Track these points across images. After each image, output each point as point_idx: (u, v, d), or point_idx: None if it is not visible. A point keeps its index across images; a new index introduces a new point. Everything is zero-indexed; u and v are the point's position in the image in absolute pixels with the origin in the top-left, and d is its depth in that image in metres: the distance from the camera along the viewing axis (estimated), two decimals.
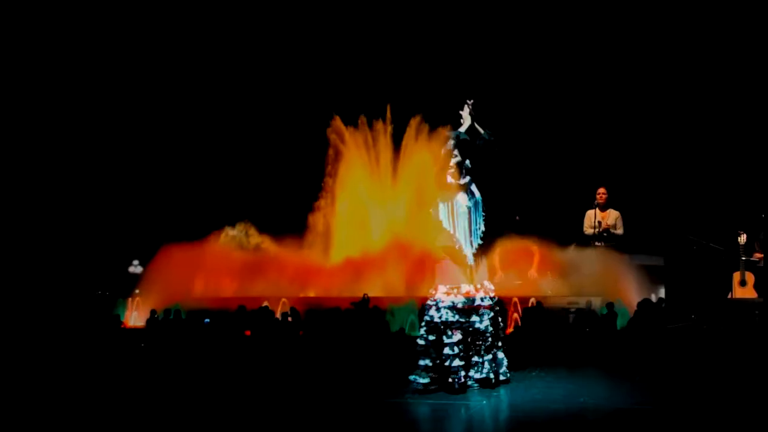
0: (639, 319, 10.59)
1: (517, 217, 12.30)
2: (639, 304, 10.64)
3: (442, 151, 7.88)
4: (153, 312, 12.15)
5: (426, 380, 7.50)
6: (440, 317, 7.61)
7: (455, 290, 7.70)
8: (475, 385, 7.56)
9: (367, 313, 11.54)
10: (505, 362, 7.95)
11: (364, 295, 12.17)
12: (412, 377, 7.57)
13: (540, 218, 13.64)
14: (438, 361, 7.50)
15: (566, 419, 6.34)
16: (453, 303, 7.64)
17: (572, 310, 11.00)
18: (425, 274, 13.20)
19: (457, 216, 7.75)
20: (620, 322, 10.98)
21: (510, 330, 12.16)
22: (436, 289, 7.78)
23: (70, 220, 17.12)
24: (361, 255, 15.29)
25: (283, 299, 13.30)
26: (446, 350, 7.49)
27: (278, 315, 12.11)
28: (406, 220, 16.25)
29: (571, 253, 12.85)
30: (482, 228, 7.94)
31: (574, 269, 12.49)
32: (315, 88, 17.86)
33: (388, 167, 17.29)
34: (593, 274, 12.00)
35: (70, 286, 14.63)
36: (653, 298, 12.11)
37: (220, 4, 18.44)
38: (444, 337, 7.53)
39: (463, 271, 7.81)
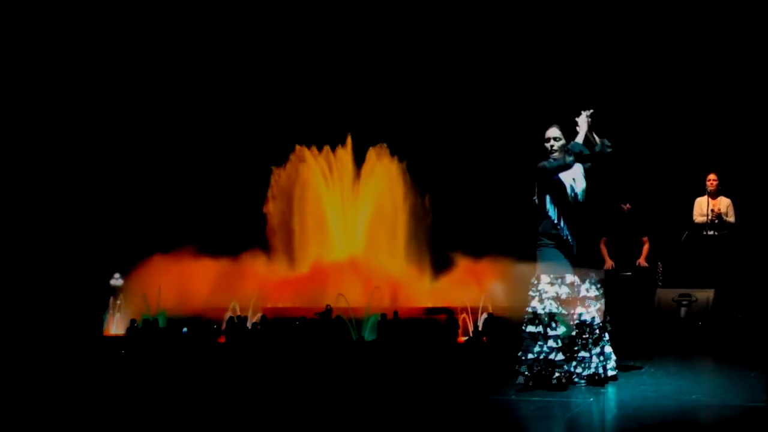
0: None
1: (627, 205, 11.97)
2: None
3: (546, 135, 7.61)
4: (132, 321, 12.85)
5: (528, 375, 7.33)
6: (543, 308, 7.37)
7: (559, 280, 7.44)
8: (582, 381, 7.36)
9: (330, 323, 12.32)
10: (613, 357, 7.72)
11: (327, 306, 12.86)
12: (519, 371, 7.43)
13: (649, 207, 13.29)
14: (542, 356, 7.31)
15: (677, 417, 6.12)
16: (557, 294, 7.39)
17: (684, 302, 10.69)
18: (383, 288, 14.45)
19: (562, 203, 7.52)
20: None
21: (463, 339, 12.36)
22: (538, 279, 7.51)
23: (52, 234, 17.71)
24: (325, 269, 16.13)
25: (253, 300, 14.25)
26: (550, 343, 7.27)
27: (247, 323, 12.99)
28: (365, 238, 17.73)
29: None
30: (588, 216, 7.68)
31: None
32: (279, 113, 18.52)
33: (348, 189, 18.10)
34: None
35: (54, 295, 15.17)
36: None
37: (177, 29, 18.69)
38: (548, 330, 7.32)
39: (567, 261, 7.53)
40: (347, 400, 7.31)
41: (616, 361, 7.74)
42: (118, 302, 14.92)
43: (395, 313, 12.56)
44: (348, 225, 18.55)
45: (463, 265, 15.84)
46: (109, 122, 18.63)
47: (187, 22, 18.73)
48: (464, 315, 13.19)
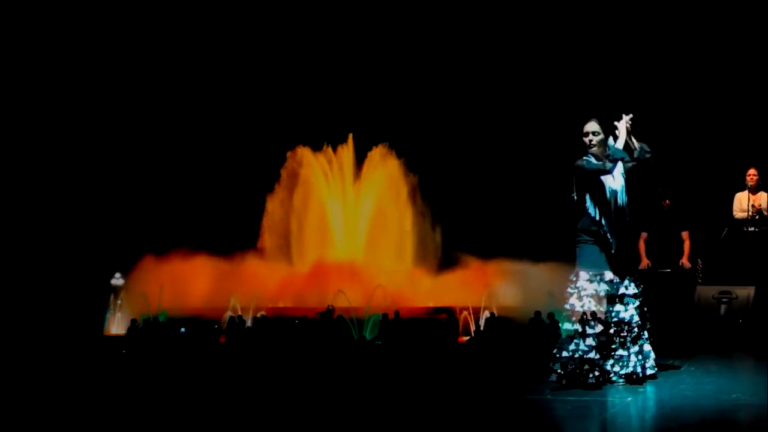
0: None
1: (667, 201, 11.83)
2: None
3: (584, 129, 7.46)
4: (133, 321, 12.88)
5: (564, 373, 7.24)
6: (582, 306, 7.28)
7: (598, 277, 7.35)
8: (621, 380, 7.28)
9: (332, 323, 12.38)
10: (653, 355, 7.60)
11: (329, 306, 12.96)
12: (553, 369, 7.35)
13: (689, 202, 13.15)
14: (579, 354, 7.20)
15: (717, 417, 6.04)
16: (596, 291, 7.31)
17: (724, 300, 10.56)
18: (384, 287, 14.48)
19: (601, 199, 7.41)
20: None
21: (464, 339, 12.46)
22: (577, 276, 7.41)
23: (54, 233, 17.77)
24: (326, 269, 16.57)
25: (254, 300, 14.41)
26: (588, 341, 7.19)
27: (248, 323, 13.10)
28: (366, 238, 18.05)
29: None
30: (627, 213, 7.54)
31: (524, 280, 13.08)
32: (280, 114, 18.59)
33: (350, 189, 18.15)
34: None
35: (55, 295, 15.19)
36: None
37: (177, 31, 18.75)
38: (586, 328, 7.23)
39: (606, 258, 7.42)
40: (376, 401, 7.30)
41: (655, 360, 7.64)
42: (119, 302, 14.96)
43: (396, 312, 12.67)
44: (349, 224, 18.72)
45: (465, 265, 15.94)
46: (111, 122, 18.78)
47: (188, 23, 18.83)
48: (465, 314, 13.31)
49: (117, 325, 14.64)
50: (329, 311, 12.70)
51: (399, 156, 18.17)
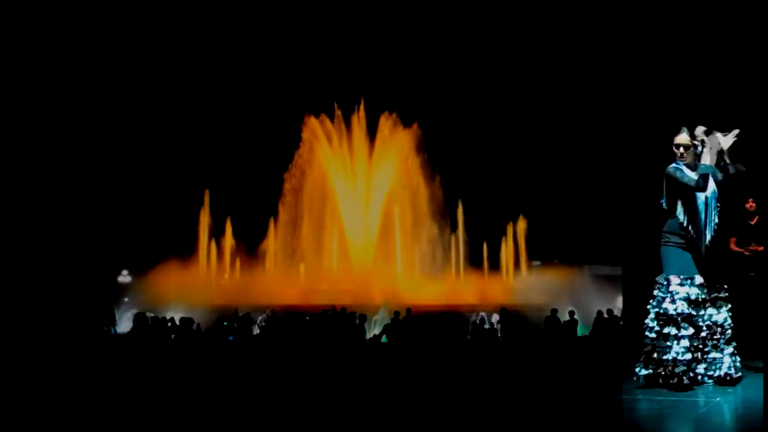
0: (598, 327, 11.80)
1: (750, 201, 11.67)
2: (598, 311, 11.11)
3: (675, 141, 7.51)
4: (141, 315, 13.06)
5: (656, 374, 7.40)
6: (675, 309, 7.37)
7: (689, 281, 7.44)
8: (710, 381, 7.43)
9: (342, 321, 12.64)
10: (738, 357, 7.69)
11: (337, 307, 13.25)
12: (638, 371, 7.49)
13: None
14: (671, 356, 7.34)
15: None
16: (687, 295, 7.40)
17: None
18: (396, 286, 14.92)
19: (692, 207, 7.48)
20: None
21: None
22: (668, 281, 7.49)
23: (63, 232, 17.95)
24: (335, 268, 17.12)
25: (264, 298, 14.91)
26: (683, 343, 7.31)
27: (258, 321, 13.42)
28: (378, 238, 18.59)
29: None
30: (717, 220, 7.60)
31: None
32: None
33: (363, 187, 18.54)
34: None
35: (63, 295, 15.30)
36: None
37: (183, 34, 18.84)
38: (682, 330, 7.35)
39: (695, 261, 7.50)
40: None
41: (741, 362, 7.73)
42: (125, 299, 15.15)
43: (408, 310, 12.82)
44: (362, 224, 18.86)
45: (478, 264, 15.98)
46: (120, 121, 19.17)
47: (195, 23, 19.18)
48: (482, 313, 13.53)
49: (124, 323, 14.72)
50: (342, 310, 12.99)
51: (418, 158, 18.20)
